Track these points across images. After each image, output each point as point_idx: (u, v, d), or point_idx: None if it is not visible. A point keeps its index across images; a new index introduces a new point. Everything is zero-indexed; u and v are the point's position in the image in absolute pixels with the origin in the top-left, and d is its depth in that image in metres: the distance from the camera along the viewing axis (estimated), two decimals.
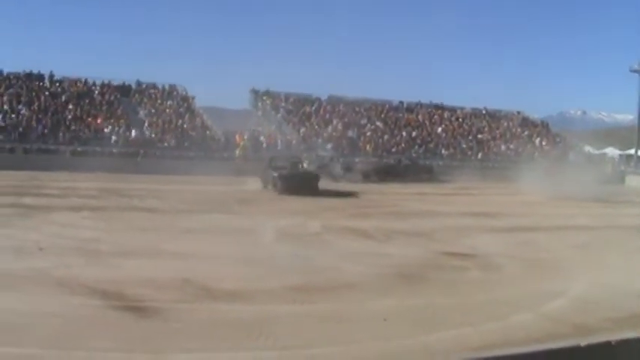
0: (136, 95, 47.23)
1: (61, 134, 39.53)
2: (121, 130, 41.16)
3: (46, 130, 39.54)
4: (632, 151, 59.43)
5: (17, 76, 44.85)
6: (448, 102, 58.68)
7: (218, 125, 46.56)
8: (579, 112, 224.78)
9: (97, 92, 45.85)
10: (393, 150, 47.66)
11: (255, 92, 52.09)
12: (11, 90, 42.80)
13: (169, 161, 37.98)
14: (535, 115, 62.71)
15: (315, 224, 18.90)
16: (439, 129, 52.97)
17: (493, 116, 58.18)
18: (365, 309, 9.93)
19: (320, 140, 46.12)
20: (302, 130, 47.66)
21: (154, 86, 48.96)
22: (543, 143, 54.94)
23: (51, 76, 46.11)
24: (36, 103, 41.73)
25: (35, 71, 45.88)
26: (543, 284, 12.08)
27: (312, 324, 9.10)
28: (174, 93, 48.94)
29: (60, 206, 20.54)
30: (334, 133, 47.76)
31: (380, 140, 48.71)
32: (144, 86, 48.64)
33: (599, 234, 19.64)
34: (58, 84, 45.65)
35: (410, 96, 65.62)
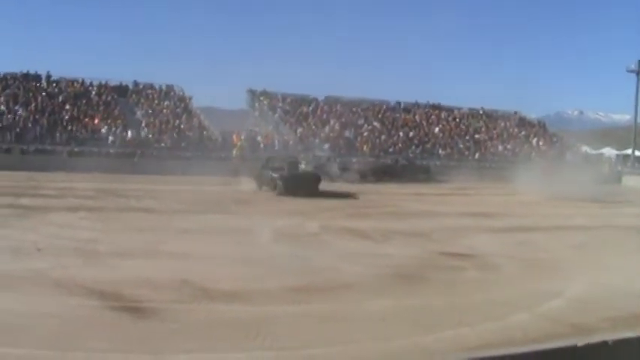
0: (133, 95, 47.20)
1: (58, 134, 39.51)
2: (118, 131, 41.14)
3: (43, 131, 39.51)
4: (629, 151, 59.56)
5: (14, 77, 44.81)
6: (445, 102, 58.81)
7: (215, 125, 46.52)
8: (576, 112, 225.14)
9: (94, 92, 45.82)
10: (390, 150, 47.70)
11: (253, 92, 52.09)
12: (8, 90, 42.78)
13: (166, 161, 37.92)
14: (532, 115, 62.90)
15: (313, 224, 18.90)
16: (436, 129, 53.03)
17: (490, 116, 58.25)
18: (363, 309, 9.93)
19: (317, 140, 46.14)
20: (299, 130, 47.66)
21: (151, 86, 48.94)
22: (540, 143, 55.01)
23: (48, 76, 46.08)
24: (33, 104, 41.70)
25: (32, 71, 45.86)
26: (541, 284, 12.09)
27: (310, 324, 9.09)
28: (172, 93, 48.92)
29: (57, 207, 20.52)
30: (331, 134, 47.78)
31: (377, 140, 48.73)
32: (141, 86, 48.62)
33: (597, 234, 19.67)
34: (55, 84, 45.61)
35: (407, 96, 65.74)
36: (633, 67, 55.31)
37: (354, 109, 52.40)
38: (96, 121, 41.76)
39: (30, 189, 25.33)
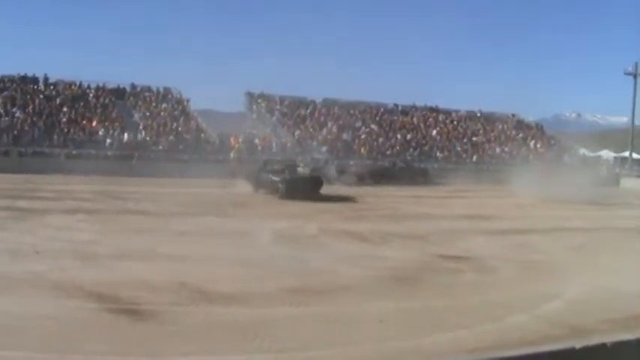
0: (131, 98, 47.14)
1: (55, 137, 39.47)
2: (116, 133, 41.12)
3: (40, 133, 39.47)
4: (626, 154, 59.61)
5: (12, 79, 44.73)
6: (443, 104, 58.80)
7: (213, 128, 46.44)
8: (574, 115, 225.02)
9: (91, 95, 45.76)
10: (388, 153, 47.69)
11: (250, 95, 52.06)
12: (6, 93, 42.71)
13: (164, 164, 37.85)
14: (530, 117, 62.97)
15: (312, 227, 18.90)
16: (434, 132, 53.04)
17: (488, 119, 58.28)
18: (361, 311, 9.94)
19: (315, 143, 46.12)
20: (297, 132, 47.65)
21: (149, 89, 48.89)
22: (538, 146, 55.06)
23: (45, 78, 46.00)
24: (30, 106, 41.64)
25: (30, 74, 45.81)
26: (539, 286, 12.10)
27: (308, 326, 9.10)
28: (169, 96, 48.88)
29: (55, 209, 20.51)
30: (329, 136, 47.78)
31: (375, 143, 48.74)
32: (138, 89, 48.57)
33: (595, 236, 19.69)
34: (52, 87, 45.54)
35: (405, 99, 65.45)
36: (631, 69, 55.43)
37: (351, 112, 52.40)
38: (93, 123, 41.71)
39: (27, 191, 25.29)
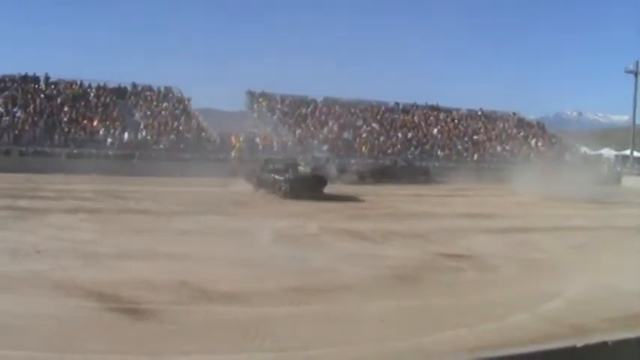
0: (132, 97, 47.13)
1: (56, 136, 39.47)
2: (117, 133, 41.12)
3: (41, 133, 39.48)
4: (627, 152, 59.53)
5: (12, 79, 44.74)
6: (444, 103, 58.75)
7: (214, 127, 46.41)
8: (575, 113, 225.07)
9: (92, 94, 45.73)
10: (389, 151, 47.66)
11: (251, 94, 52.03)
12: (7, 92, 42.72)
13: (165, 163, 37.88)
14: (531, 116, 62.89)
15: (312, 226, 18.90)
16: (435, 130, 53.00)
17: (489, 117, 58.24)
18: (362, 310, 9.94)
19: (316, 142, 46.09)
20: (298, 131, 47.63)
21: (150, 88, 48.88)
22: (539, 144, 55.01)
23: (46, 78, 46.00)
24: (31, 106, 41.64)
25: (31, 73, 45.80)
26: (540, 285, 12.10)
27: (309, 325, 9.10)
28: (170, 95, 48.87)
29: (56, 209, 20.51)
30: (330, 135, 47.75)
31: (376, 142, 48.71)
32: (139, 88, 48.55)
33: (596, 234, 19.68)
34: (53, 86, 45.53)
35: (405, 97, 65.69)
36: (632, 67, 55.35)
37: (352, 111, 52.37)
38: (94, 123, 41.71)
39: (28, 191, 25.30)
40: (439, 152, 49.82)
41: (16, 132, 38.81)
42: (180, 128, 43.94)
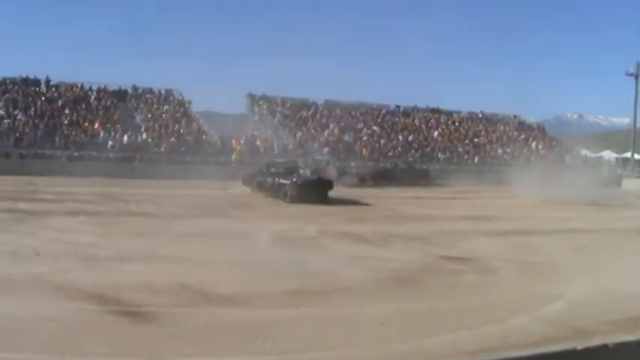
0: (133, 100, 47.21)
1: (57, 139, 39.51)
2: (117, 135, 41.16)
3: (42, 135, 39.51)
4: (628, 155, 59.54)
5: (13, 81, 44.85)
6: (444, 106, 58.89)
7: (214, 130, 46.48)
8: (576, 116, 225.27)
9: (93, 97, 45.83)
10: (390, 154, 47.71)
11: (252, 97, 52.11)
12: (8, 95, 42.80)
13: (165, 166, 37.96)
14: (531, 118, 63.03)
15: (312, 228, 18.88)
16: (435, 133, 53.07)
17: (489, 120, 58.34)
18: (362, 313, 9.93)
19: (316, 145, 46.15)
20: (298, 134, 47.68)
21: (151, 91, 48.98)
22: (540, 147, 55.08)
23: (47, 81, 46.10)
24: (32, 108, 41.71)
25: (32, 76, 45.89)
26: (540, 287, 12.09)
27: (309, 328, 9.09)
28: (171, 98, 48.95)
29: (56, 211, 20.52)
30: (331, 138, 47.81)
31: (376, 144, 48.77)
32: (140, 91, 48.66)
33: (596, 237, 19.67)
34: (54, 89, 45.64)
35: (406, 100, 65.64)
36: (632, 70, 55.37)
37: (353, 113, 52.46)
38: (95, 125, 41.76)
39: (29, 193, 25.33)
40: (440, 155, 49.89)
41: (17, 134, 38.88)
42: (181, 131, 44.00)
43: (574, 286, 12.21)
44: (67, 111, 42.72)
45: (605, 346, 4.82)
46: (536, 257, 15.56)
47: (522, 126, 58.92)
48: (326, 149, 45.45)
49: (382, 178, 39.40)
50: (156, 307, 9.71)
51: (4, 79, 44.71)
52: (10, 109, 41.16)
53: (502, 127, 57.28)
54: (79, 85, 46.71)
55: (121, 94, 47.37)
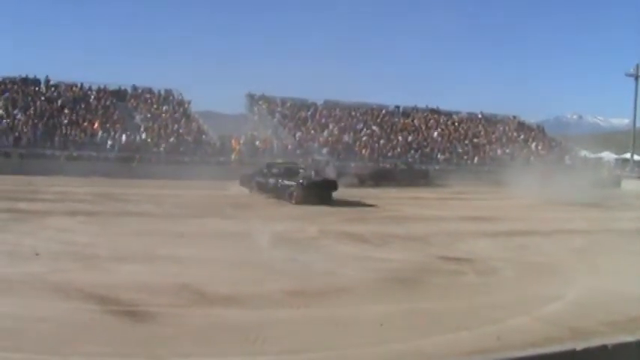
0: (132, 100, 47.23)
1: (56, 139, 39.51)
2: (117, 135, 41.17)
3: (41, 135, 39.51)
4: (627, 155, 59.56)
5: (13, 81, 44.85)
6: (444, 106, 58.97)
7: (214, 130, 46.53)
8: (575, 117, 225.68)
9: (92, 97, 45.84)
10: (389, 154, 47.74)
11: (251, 97, 52.13)
12: (7, 94, 42.79)
13: (165, 166, 37.97)
14: (531, 119, 63.10)
15: (312, 229, 18.87)
16: (435, 133, 53.10)
17: (489, 120, 58.37)
18: (361, 313, 9.92)
19: (316, 145, 46.16)
20: (298, 134, 47.70)
21: (150, 91, 49.00)
22: (539, 147, 55.11)
23: (47, 80, 46.12)
24: (32, 108, 41.70)
25: (31, 76, 45.88)
26: (540, 288, 12.09)
27: (308, 328, 9.08)
28: (170, 98, 48.97)
29: (55, 211, 20.50)
30: (330, 138, 47.82)
31: (376, 145, 48.78)
32: (140, 91, 48.68)
33: (596, 238, 19.66)
34: (53, 89, 45.64)
35: (406, 100, 65.85)
36: (632, 71, 55.38)
37: (352, 114, 52.51)
38: (95, 125, 41.76)
39: (28, 193, 25.31)
40: (439, 155, 49.91)
41: (16, 134, 38.90)
42: (181, 131, 44.01)
43: (573, 286, 12.21)
44: (66, 111, 42.73)
45: (604, 347, 4.82)
46: (536, 258, 15.56)
47: (522, 126, 58.97)
48: (325, 149, 45.47)
49: (381, 178, 39.41)
50: (155, 307, 9.70)
51: (4, 79, 44.72)
52: (10, 109, 41.17)
53: (501, 128, 57.31)
54: (79, 85, 46.74)
55: (120, 94, 47.40)
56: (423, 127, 53.84)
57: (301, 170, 30.15)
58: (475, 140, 53.65)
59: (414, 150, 49.43)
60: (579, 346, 4.79)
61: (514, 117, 60.12)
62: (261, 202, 26.50)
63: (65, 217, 19.43)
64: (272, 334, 8.63)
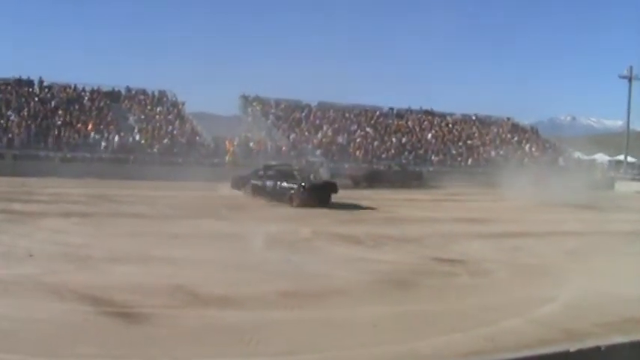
0: (126, 101, 47.16)
1: (50, 140, 39.44)
2: (111, 136, 41.13)
3: (35, 136, 39.43)
4: (621, 157, 59.74)
5: (7, 82, 44.73)
6: (438, 108, 59.08)
7: (208, 131, 46.51)
8: (569, 118, 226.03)
9: (86, 98, 45.77)
10: (383, 156, 47.82)
11: (245, 98, 52.12)
12: (0, 96, 42.68)
13: (159, 167, 37.96)
14: (525, 121, 63.23)
15: (306, 230, 18.86)
16: (429, 135, 53.19)
17: (483, 122, 58.48)
18: (355, 315, 9.92)
19: (310, 146, 46.19)
20: (292, 136, 47.72)
21: (144, 92, 48.94)
22: (533, 149, 55.24)
23: (40, 81, 46.00)
24: (25, 109, 41.61)
25: (25, 77, 45.78)
26: (533, 290, 12.10)
27: (302, 330, 9.08)
28: (164, 99, 48.93)
29: (50, 212, 20.46)
30: (324, 139, 47.87)
31: (370, 146, 48.84)
32: (133, 92, 48.63)
33: (589, 239, 19.70)
34: (47, 90, 45.55)
35: (400, 102, 65.89)
36: (626, 72, 55.57)
37: (346, 115, 52.56)
38: (89, 126, 41.70)
39: (22, 194, 25.25)
40: (433, 157, 50.01)
41: (10, 135, 38.81)
42: (174, 132, 44.01)
43: (567, 288, 12.23)
44: (60, 112, 42.65)
45: (597, 348, 4.83)
46: (529, 259, 15.59)
47: (515, 128, 59.11)
48: (319, 151, 45.51)
49: (375, 180, 39.46)
50: (149, 308, 9.69)
51: None
52: (3, 110, 41.07)
53: (495, 130, 57.44)
54: (73, 86, 46.66)
55: (114, 95, 47.34)
56: (417, 129, 53.92)
57: (295, 172, 29.95)
58: (469, 142, 53.77)
59: (407, 151, 49.51)
60: (573, 347, 4.80)
61: (508, 119, 60.25)
62: (255, 204, 26.47)
63: (59, 218, 19.39)
64: (266, 335, 8.63)
